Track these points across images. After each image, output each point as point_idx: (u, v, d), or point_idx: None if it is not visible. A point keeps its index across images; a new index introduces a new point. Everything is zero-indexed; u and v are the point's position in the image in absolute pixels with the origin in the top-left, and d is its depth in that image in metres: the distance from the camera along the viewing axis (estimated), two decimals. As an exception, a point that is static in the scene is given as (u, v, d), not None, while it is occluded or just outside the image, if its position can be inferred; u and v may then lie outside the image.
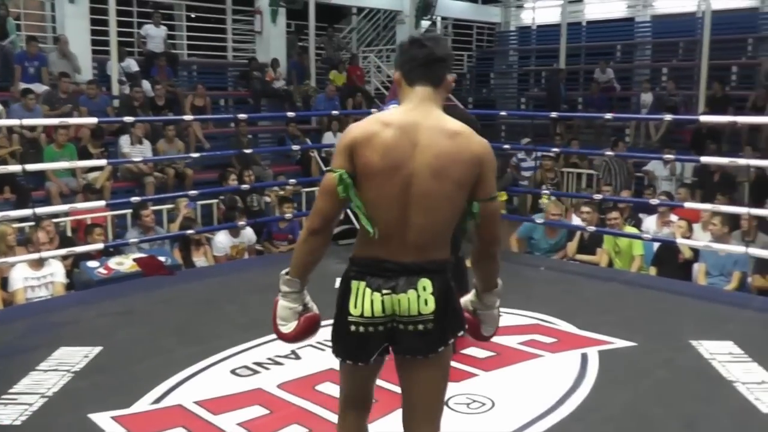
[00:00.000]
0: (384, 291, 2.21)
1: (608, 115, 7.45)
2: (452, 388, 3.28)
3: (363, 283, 2.23)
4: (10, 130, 8.87)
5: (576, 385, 3.92)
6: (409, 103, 2.28)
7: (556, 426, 3.46)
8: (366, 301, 2.21)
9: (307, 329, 2.35)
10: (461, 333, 2.36)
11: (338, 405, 2.48)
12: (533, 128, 11.22)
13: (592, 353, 4.37)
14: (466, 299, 2.51)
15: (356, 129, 2.25)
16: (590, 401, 3.73)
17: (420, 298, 2.21)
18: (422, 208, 2.20)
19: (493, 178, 2.29)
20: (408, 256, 2.22)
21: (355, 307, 2.22)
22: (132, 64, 11.61)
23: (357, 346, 2.27)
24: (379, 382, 2.50)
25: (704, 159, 6.96)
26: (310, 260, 2.30)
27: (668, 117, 7.11)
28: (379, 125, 2.22)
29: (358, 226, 2.31)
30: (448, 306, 2.26)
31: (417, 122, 2.23)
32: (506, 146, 9.17)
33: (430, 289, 2.21)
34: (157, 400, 3.78)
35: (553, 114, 7.71)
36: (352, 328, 2.24)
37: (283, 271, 2.33)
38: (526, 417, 3.51)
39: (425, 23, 15.60)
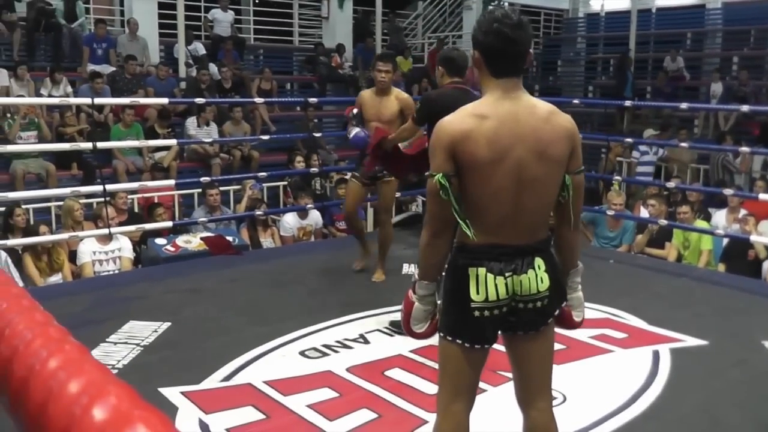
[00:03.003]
0: (506, 274, 2.26)
1: (683, 105, 7.24)
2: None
3: (483, 269, 2.26)
4: (78, 108, 9.08)
5: (648, 382, 3.82)
6: (496, 91, 2.27)
7: (629, 424, 3.38)
8: (490, 285, 2.26)
9: (435, 329, 2.46)
10: (564, 304, 2.46)
11: (438, 401, 2.44)
12: (601, 117, 10.94)
13: (664, 351, 4.26)
14: None
15: (451, 127, 2.23)
16: (663, 400, 3.64)
17: (537, 277, 2.29)
18: (533, 192, 2.25)
19: (580, 151, 2.36)
20: (521, 239, 2.28)
21: (478, 293, 2.27)
22: (199, 48, 11.75)
23: (482, 330, 2.33)
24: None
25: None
26: (437, 261, 2.35)
27: (744, 108, 6.85)
28: (475, 119, 2.22)
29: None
30: (557, 281, 2.38)
31: (512, 111, 2.24)
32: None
33: (543, 267, 2.31)
34: (227, 378, 3.80)
35: (627, 103, 7.50)
36: (476, 313, 2.28)
37: (414, 277, 2.42)
38: (598, 413, 3.44)
39: (492, 10, 15.39)
